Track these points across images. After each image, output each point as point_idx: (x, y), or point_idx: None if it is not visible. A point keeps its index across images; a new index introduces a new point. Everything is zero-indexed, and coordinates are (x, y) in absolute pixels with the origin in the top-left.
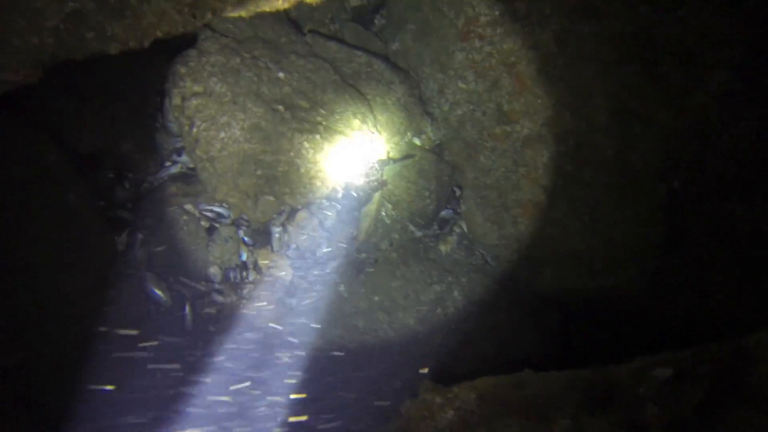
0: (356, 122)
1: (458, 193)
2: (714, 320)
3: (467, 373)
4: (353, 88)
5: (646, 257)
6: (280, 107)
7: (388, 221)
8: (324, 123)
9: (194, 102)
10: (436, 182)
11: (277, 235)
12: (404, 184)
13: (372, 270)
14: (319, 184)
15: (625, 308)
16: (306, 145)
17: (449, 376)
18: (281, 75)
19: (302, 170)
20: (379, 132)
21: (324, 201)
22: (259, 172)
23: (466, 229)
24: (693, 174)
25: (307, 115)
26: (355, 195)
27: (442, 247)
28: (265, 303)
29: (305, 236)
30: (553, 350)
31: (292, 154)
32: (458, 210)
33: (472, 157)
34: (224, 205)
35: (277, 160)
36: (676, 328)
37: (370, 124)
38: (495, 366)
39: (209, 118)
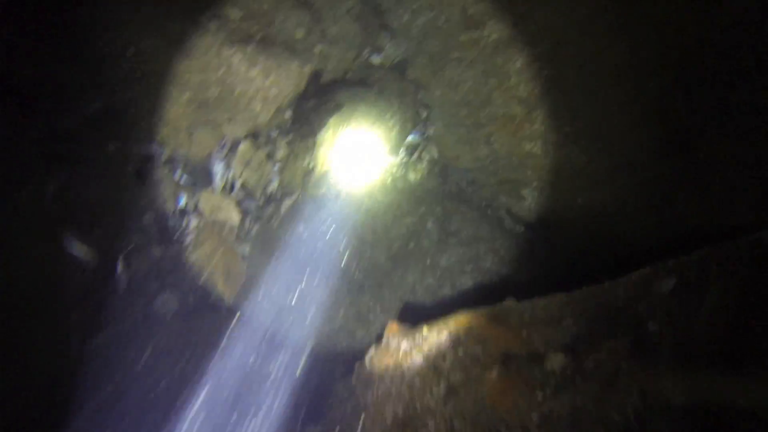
0: (299, 34)
1: (425, 114)
2: (720, 228)
3: (444, 313)
4: None
5: (640, 165)
6: (205, 17)
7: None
8: (260, 34)
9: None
10: (399, 103)
11: (219, 173)
12: (363, 106)
13: (333, 206)
14: (260, 107)
15: (618, 226)
16: (237, 59)
17: (424, 317)
18: None
19: (237, 91)
20: (330, 46)
21: (271, 129)
22: (186, 96)
23: (436, 155)
24: (689, 63)
25: (237, 26)
26: (307, 121)
27: (412, 176)
28: (210, 250)
29: (251, 171)
30: (540, 281)
31: (221, 72)
32: (427, 133)
33: (437, 71)
34: (153, 141)
35: (206, 80)
36: (678, 243)
37: (316, 36)
38: (476, 303)
39: (125, 33)
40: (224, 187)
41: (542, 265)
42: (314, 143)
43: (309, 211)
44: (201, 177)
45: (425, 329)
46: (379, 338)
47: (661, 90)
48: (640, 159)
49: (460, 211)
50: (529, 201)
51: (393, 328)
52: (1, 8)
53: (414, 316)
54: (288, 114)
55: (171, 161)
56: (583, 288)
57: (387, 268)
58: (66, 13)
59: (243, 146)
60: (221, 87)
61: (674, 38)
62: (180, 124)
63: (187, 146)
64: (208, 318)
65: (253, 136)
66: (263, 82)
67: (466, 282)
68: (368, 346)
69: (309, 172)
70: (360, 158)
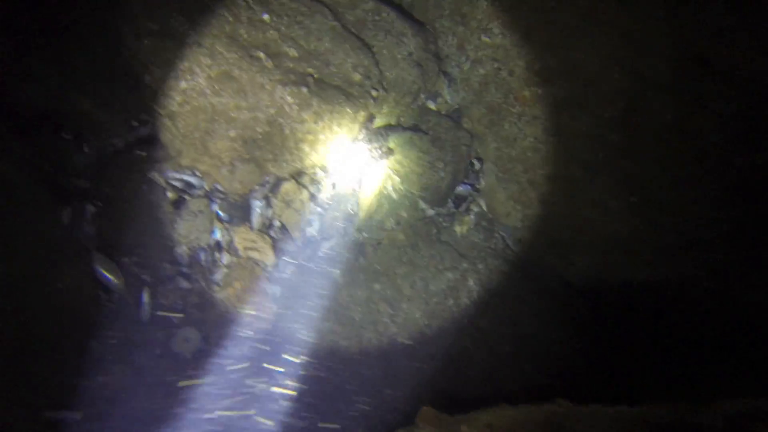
0: (357, 77)
1: (477, 166)
2: None
3: (481, 385)
4: (356, 37)
5: (709, 246)
6: (261, 54)
7: (395, 196)
8: (316, 75)
9: (147, 42)
10: (453, 153)
11: (258, 210)
12: (415, 153)
13: (374, 253)
14: (308, 149)
15: (676, 304)
16: (290, 99)
17: (459, 393)
18: (266, 17)
19: (287, 131)
20: (386, 91)
21: (316, 170)
22: (232, 133)
23: (485, 208)
24: None
25: (294, 66)
26: (356, 165)
27: (458, 228)
28: (240, 289)
29: (292, 212)
30: (583, 349)
31: (273, 111)
32: (477, 186)
33: (495, 124)
34: (196, 173)
35: (255, 118)
36: (741, 331)
37: (374, 80)
38: (515, 371)
39: (166, 62)
40: (262, 226)
41: (586, 333)
42: (360, 188)
43: (347, 258)
44: (239, 213)
45: (464, 426)
46: (409, 420)
47: (745, 168)
48: (709, 239)
49: (504, 271)
50: (580, 267)
51: (427, 415)
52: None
53: (449, 384)
54: (337, 157)
55: (210, 194)
56: (657, 403)
57: (421, 325)
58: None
59: (286, 185)
60: (270, 126)
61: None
62: (223, 158)
63: (228, 181)
64: (227, 363)
65: (298, 176)
66: (314, 125)
67: (505, 347)
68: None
69: (351, 217)
70: (406, 205)
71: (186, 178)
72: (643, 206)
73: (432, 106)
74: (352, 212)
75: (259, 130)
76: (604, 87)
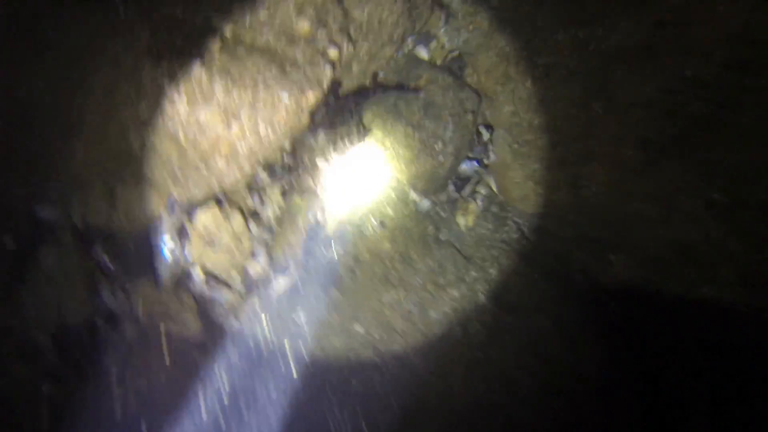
0: (303, 27)
1: (486, 135)
2: None
3: None
4: None
5: None
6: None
7: (375, 190)
8: (228, 35)
9: None
10: (454, 124)
11: (165, 256)
12: (401, 129)
13: (351, 279)
14: (226, 162)
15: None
16: (176, 93)
17: None
18: None
19: (183, 141)
20: (353, 43)
21: (254, 182)
22: (104, 143)
23: (495, 190)
24: None
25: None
26: (313, 159)
27: (461, 220)
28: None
29: (220, 250)
30: (620, 379)
31: (146, 112)
32: (485, 161)
33: (511, 78)
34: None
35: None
36: None
37: (333, 28)
38: (543, 414)
39: None
40: (173, 279)
41: (618, 349)
42: (321, 188)
43: (313, 295)
44: (136, 262)
45: None
46: None
47: None
48: None
49: (520, 272)
50: (619, 269)
51: None
52: None
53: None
54: (283, 154)
55: (86, 234)
56: None
57: (422, 374)
58: None
59: (203, 214)
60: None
61: None
62: (93, 178)
63: (107, 211)
64: None
65: (222, 197)
66: (226, 131)
67: (527, 382)
68: None
69: (314, 231)
70: (391, 199)
71: (44, 209)
72: (730, 208)
73: (423, 54)
74: (315, 223)
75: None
76: (686, 38)
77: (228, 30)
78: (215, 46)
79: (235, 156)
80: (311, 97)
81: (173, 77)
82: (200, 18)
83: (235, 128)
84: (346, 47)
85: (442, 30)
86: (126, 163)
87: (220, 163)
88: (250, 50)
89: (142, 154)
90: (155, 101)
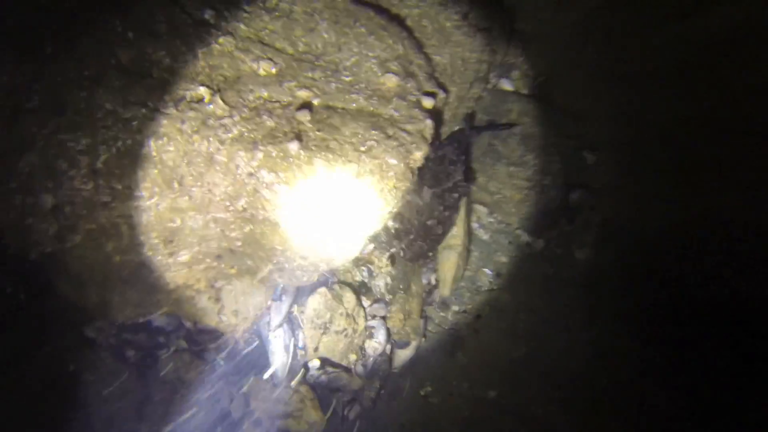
0: (390, 81)
1: (591, 159)
2: None
3: None
4: (372, 9)
5: None
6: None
7: (485, 236)
8: (317, 102)
9: None
10: (558, 152)
11: (277, 349)
12: (503, 169)
13: (474, 338)
14: (329, 244)
15: None
16: (266, 176)
17: None
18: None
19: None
20: (444, 89)
21: (361, 257)
22: (196, 247)
23: (609, 216)
24: None
25: (270, 97)
26: (417, 219)
27: (579, 254)
28: None
29: (334, 335)
30: None
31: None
32: (593, 185)
33: (606, 92)
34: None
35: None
36: None
37: (421, 78)
38: None
39: None
40: (290, 372)
41: None
42: (431, 249)
43: (438, 361)
44: (249, 360)
45: None
46: None
47: None
48: None
49: (660, 318)
50: None
51: None
52: None
53: None
54: (389, 221)
55: (198, 338)
56: None
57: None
58: None
59: (312, 299)
60: (251, 223)
61: None
62: (195, 283)
63: (213, 315)
64: None
65: (330, 275)
66: (345, 199)
67: None
68: None
69: (430, 294)
70: (502, 245)
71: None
72: None
73: (507, 86)
74: (430, 286)
75: (235, 232)
76: None
77: (315, 99)
78: (305, 118)
79: (342, 234)
80: (418, 156)
81: (270, 163)
82: (284, 90)
83: (340, 205)
84: (439, 94)
85: (523, 57)
86: (229, 259)
87: (329, 245)
88: (343, 116)
89: (244, 248)
90: (254, 192)
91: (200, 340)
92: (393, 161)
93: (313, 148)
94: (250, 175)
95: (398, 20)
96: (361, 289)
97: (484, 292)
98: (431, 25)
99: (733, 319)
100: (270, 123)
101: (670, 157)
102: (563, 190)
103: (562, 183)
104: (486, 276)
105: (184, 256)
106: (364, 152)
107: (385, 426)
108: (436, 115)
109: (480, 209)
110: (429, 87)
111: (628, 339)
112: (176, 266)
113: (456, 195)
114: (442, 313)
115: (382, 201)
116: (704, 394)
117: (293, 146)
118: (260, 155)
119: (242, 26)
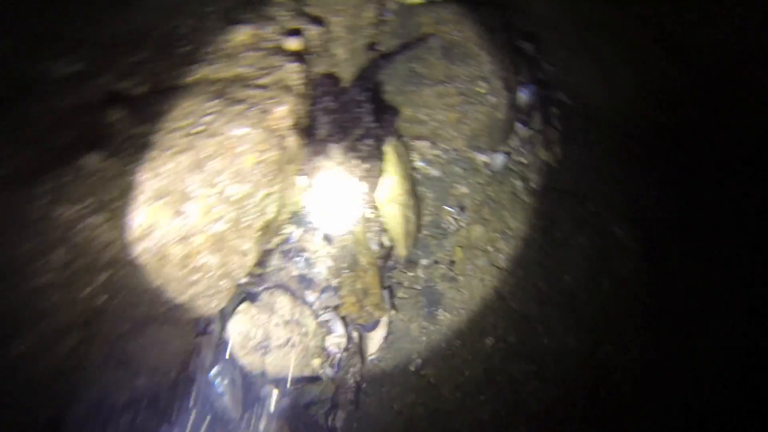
0: (242, 31)
1: (530, 47)
2: None
3: None
4: None
5: None
6: None
7: (435, 172)
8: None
9: None
10: (487, 52)
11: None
12: (430, 90)
13: (449, 288)
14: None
15: None
16: None
17: None
18: None
19: None
20: (318, 18)
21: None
22: None
23: (568, 100)
24: None
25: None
26: (331, 165)
27: (547, 156)
28: None
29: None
30: None
31: None
32: (540, 76)
33: None
34: None
35: None
36: None
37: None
38: None
39: None
40: (243, 408)
41: None
42: (364, 208)
43: (414, 333)
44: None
45: None
46: None
47: None
48: None
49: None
50: None
51: None
52: None
53: None
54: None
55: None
56: None
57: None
58: None
59: (233, 322)
60: None
61: None
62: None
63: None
64: None
65: (258, 282)
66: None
67: None
68: None
69: (389, 259)
70: (458, 173)
71: None
72: None
73: None
74: (386, 249)
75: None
76: None
77: (138, 87)
78: (117, 116)
79: (224, 246)
80: (282, 113)
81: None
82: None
83: (197, 213)
84: (310, 30)
85: None
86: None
87: (209, 262)
88: (172, 97)
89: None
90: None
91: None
92: (241, 131)
93: (123, 155)
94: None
95: None
96: (301, 285)
97: (451, 233)
98: None
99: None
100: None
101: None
102: (507, 92)
103: (502, 85)
104: (449, 214)
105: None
106: (198, 134)
107: (378, 418)
108: (309, 56)
109: (419, 144)
110: (294, 24)
111: (626, 239)
112: None
113: (370, 141)
114: (410, 273)
115: (249, 186)
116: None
117: (91, 160)
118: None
119: None
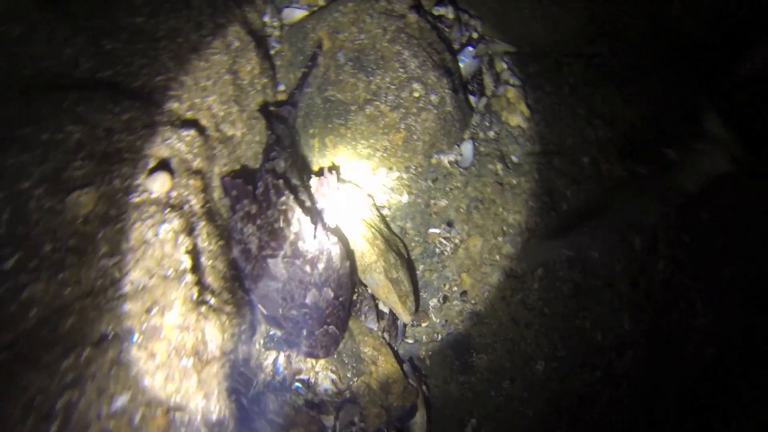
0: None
1: (449, 12)
2: None
3: None
4: None
5: None
6: None
7: (405, 199)
8: None
9: None
10: (405, 39)
11: None
12: (357, 118)
13: (471, 321)
14: None
15: None
16: None
17: None
18: None
19: None
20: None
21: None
22: None
23: (508, 46)
24: None
25: None
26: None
27: (512, 119)
28: None
29: None
30: None
31: None
32: (474, 35)
33: None
34: None
35: None
36: None
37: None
38: None
39: None
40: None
41: None
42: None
43: (455, 393)
44: None
45: None
46: None
47: None
48: None
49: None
50: None
51: None
52: None
53: None
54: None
55: None
56: None
57: None
58: None
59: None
60: None
61: None
62: None
63: None
64: None
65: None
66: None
67: None
68: None
69: (395, 328)
70: (428, 190)
71: None
72: None
73: (298, 13)
74: (390, 319)
75: None
76: None
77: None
78: None
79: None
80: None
81: None
82: None
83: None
84: (182, 139)
85: None
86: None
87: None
88: None
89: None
90: None
91: None
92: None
93: None
94: None
95: None
96: (313, 412)
97: (449, 257)
98: None
99: None
100: None
101: None
102: (447, 77)
103: (439, 73)
104: (438, 236)
105: None
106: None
107: None
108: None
109: (378, 180)
110: (151, 155)
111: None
112: None
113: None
114: (424, 325)
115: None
116: None
117: None
118: None
119: None
